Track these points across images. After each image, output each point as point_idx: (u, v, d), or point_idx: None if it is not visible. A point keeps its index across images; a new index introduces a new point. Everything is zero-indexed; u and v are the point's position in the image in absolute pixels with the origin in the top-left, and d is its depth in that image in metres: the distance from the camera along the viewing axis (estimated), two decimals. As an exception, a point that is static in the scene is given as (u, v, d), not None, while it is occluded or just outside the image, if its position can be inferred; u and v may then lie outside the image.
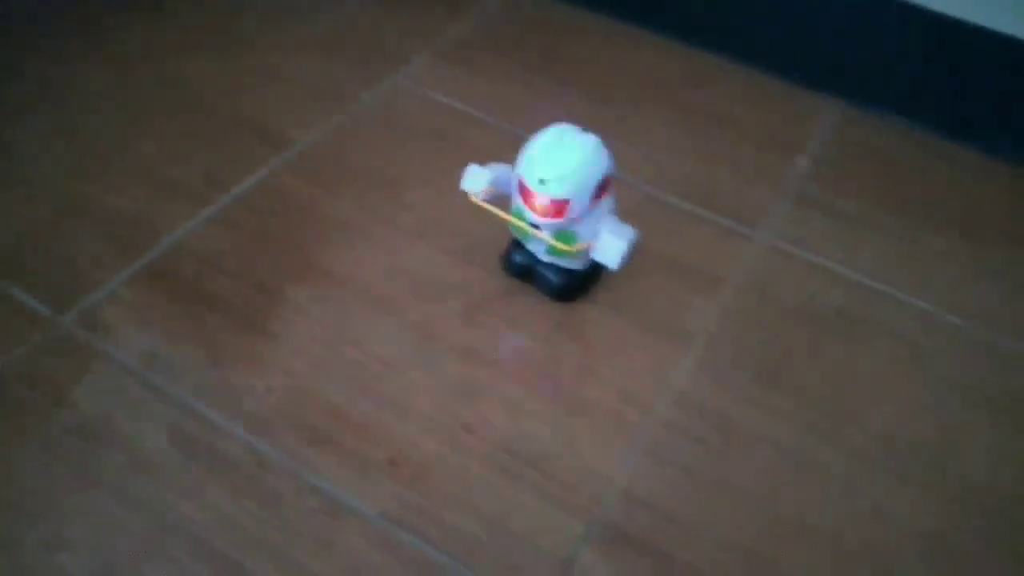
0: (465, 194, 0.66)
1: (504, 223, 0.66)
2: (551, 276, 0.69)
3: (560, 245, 0.63)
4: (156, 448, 0.59)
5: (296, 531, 0.55)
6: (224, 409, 0.61)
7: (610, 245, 0.62)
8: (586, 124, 0.63)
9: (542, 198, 0.61)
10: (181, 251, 0.72)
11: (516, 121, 0.86)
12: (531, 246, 0.68)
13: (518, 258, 0.70)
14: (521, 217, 0.64)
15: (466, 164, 0.66)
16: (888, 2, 0.84)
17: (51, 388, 0.62)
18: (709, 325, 0.70)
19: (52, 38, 0.93)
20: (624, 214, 0.66)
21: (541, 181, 0.60)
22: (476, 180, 0.65)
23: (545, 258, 0.68)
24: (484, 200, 0.65)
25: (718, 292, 0.72)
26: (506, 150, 0.68)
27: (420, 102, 0.89)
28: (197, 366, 0.64)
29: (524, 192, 0.62)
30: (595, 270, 0.70)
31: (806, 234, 0.78)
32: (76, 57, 0.91)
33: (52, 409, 0.60)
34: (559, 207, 0.61)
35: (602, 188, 0.62)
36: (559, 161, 0.60)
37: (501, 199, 0.66)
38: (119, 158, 0.80)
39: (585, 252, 0.64)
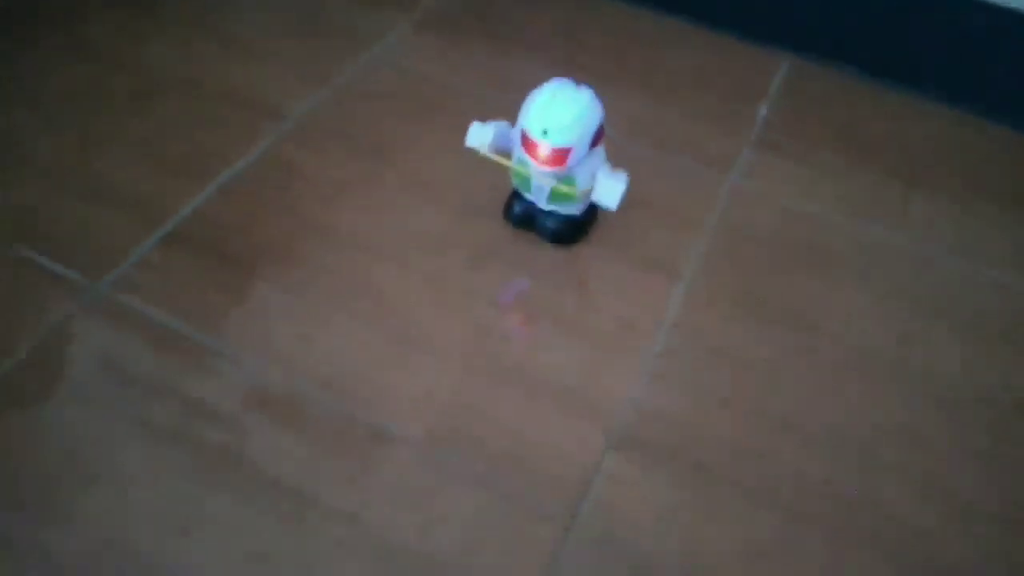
0: (461, 151, 0.71)
1: (509, 172, 0.72)
2: (550, 223, 0.76)
3: (564, 188, 0.70)
4: (207, 395, 0.63)
5: (349, 456, 0.61)
6: (270, 360, 0.66)
7: (610, 187, 0.69)
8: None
9: (546, 147, 0.67)
10: (199, 218, 0.76)
11: (490, 84, 0.92)
12: (532, 196, 0.74)
13: (518, 208, 0.77)
14: (524, 167, 0.70)
15: (451, 128, 0.71)
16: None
17: (95, 349, 0.65)
18: (693, 260, 0.77)
19: (38, 34, 0.94)
20: (611, 164, 0.73)
21: (544, 132, 0.66)
22: (480, 135, 0.71)
23: (545, 206, 0.74)
24: (489, 153, 0.71)
25: (698, 231, 0.80)
26: (483, 112, 0.74)
27: (400, 73, 0.94)
28: (234, 318, 0.68)
29: (528, 143, 0.68)
30: (590, 215, 0.77)
31: (769, 175, 0.86)
32: (42, 51, 0.92)
33: (101, 366, 0.64)
34: (562, 155, 0.67)
35: (597, 136, 0.69)
36: (559, 113, 0.66)
37: (501, 152, 0.72)
38: (121, 139, 0.83)
39: (585, 195, 0.71)
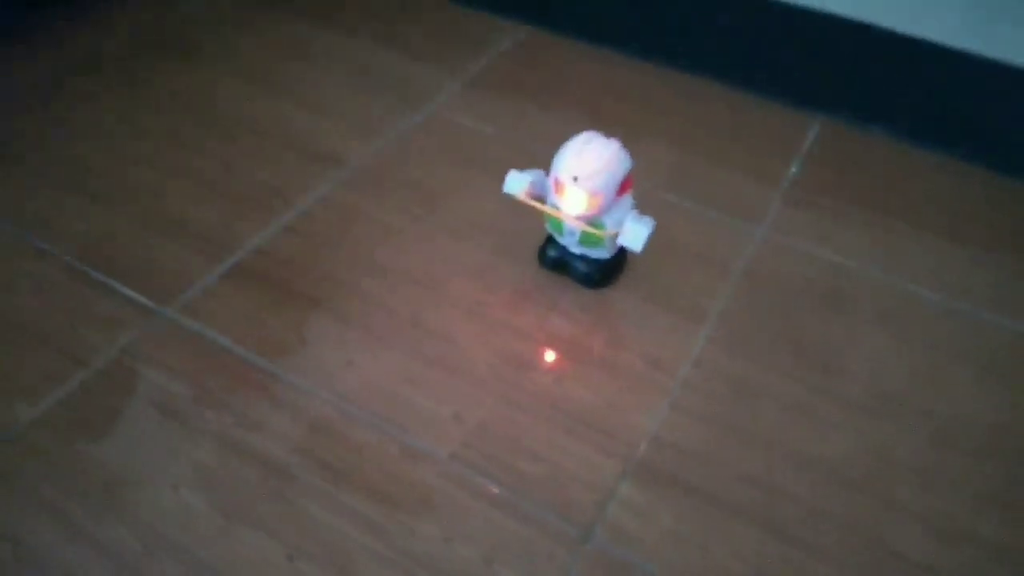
0: (502, 198, 0.77)
1: (543, 217, 0.78)
2: (582, 266, 0.81)
3: (592, 230, 0.75)
4: (259, 414, 0.69)
5: (381, 471, 0.66)
6: (315, 382, 0.72)
7: (635, 231, 0.74)
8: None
9: (575, 192, 0.72)
10: (261, 254, 0.84)
11: (533, 138, 0.98)
12: (564, 240, 0.80)
13: (552, 252, 0.82)
14: (558, 212, 0.76)
15: (493, 176, 0.78)
16: (866, 30, 0.97)
17: (172, 374, 0.72)
18: (720, 304, 0.81)
19: (113, 85, 1.06)
20: (644, 213, 0.77)
21: (575, 179, 0.72)
22: (517, 183, 0.77)
23: (576, 249, 0.80)
24: (525, 199, 0.77)
25: (725, 277, 0.84)
26: (525, 162, 0.80)
27: (453, 128, 1.02)
28: (288, 343, 0.75)
29: (559, 189, 0.73)
30: (620, 260, 0.82)
31: (796, 227, 0.89)
32: (131, 97, 1.03)
33: (167, 383, 0.71)
34: (594, 201, 0.72)
35: (624, 184, 0.74)
36: (589, 161, 0.72)
37: (537, 198, 0.77)
38: (193, 178, 0.92)
39: (612, 238, 0.76)
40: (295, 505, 0.64)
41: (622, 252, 0.81)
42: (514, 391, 0.72)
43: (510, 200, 0.77)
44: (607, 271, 0.81)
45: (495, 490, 0.65)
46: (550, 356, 0.76)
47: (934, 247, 0.88)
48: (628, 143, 0.74)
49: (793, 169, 0.98)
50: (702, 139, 1.01)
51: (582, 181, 0.72)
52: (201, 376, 0.72)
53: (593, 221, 0.75)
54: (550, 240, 0.82)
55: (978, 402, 0.73)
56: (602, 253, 0.79)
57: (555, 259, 0.82)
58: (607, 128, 0.76)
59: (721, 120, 1.05)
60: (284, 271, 0.82)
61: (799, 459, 0.68)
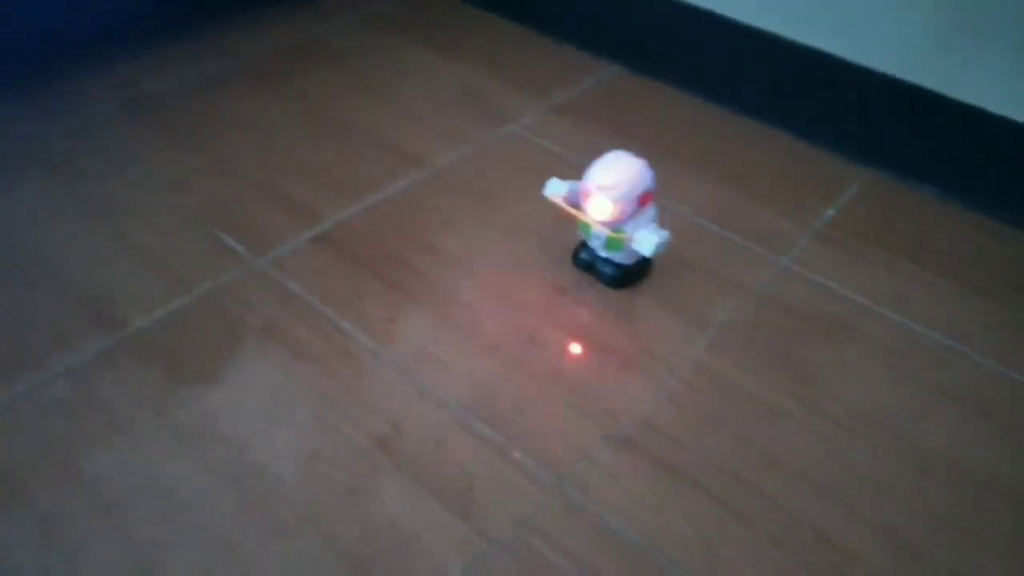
0: (551, 207, 0.90)
1: (575, 220, 0.90)
2: (608, 269, 0.91)
3: (615, 236, 0.86)
4: (314, 350, 0.84)
5: (401, 406, 0.79)
6: (362, 329, 0.86)
7: (645, 238, 0.84)
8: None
9: (599, 199, 0.84)
10: (342, 228, 1.00)
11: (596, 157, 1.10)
12: (592, 243, 0.91)
13: (583, 255, 0.93)
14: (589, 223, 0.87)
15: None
16: (919, 91, 1.04)
17: (251, 307, 0.89)
18: (727, 317, 0.89)
19: (256, 82, 1.26)
20: (676, 237, 0.88)
21: (600, 187, 0.83)
22: (556, 188, 0.89)
23: (603, 253, 0.90)
24: (560, 203, 0.89)
25: (739, 295, 0.92)
26: (579, 178, 0.92)
27: (528, 145, 1.15)
28: (347, 298, 0.90)
29: (587, 196, 0.85)
30: (643, 267, 0.92)
31: (818, 262, 0.97)
32: (268, 94, 1.23)
33: (247, 316, 0.87)
34: (613, 209, 0.83)
35: (645, 197, 0.85)
36: (613, 174, 0.83)
37: (575, 206, 0.89)
38: (299, 164, 1.10)
39: (630, 243, 0.86)
40: (324, 422, 0.78)
41: (646, 260, 0.91)
42: (523, 360, 0.84)
43: (556, 208, 0.90)
44: (630, 275, 0.92)
45: (489, 432, 0.77)
46: (561, 337, 0.87)
47: (948, 296, 0.93)
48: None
49: (830, 212, 1.05)
50: (747, 177, 1.10)
51: (605, 190, 0.83)
52: (273, 312, 0.88)
53: (615, 228, 0.86)
54: (583, 244, 0.93)
55: (961, 438, 0.78)
56: (625, 258, 0.90)
57: (586, 261, 0.93)
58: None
59: (771, 162, 1.13)
60: (357, 243, 0.97)
61: (769, 459, 0.76)
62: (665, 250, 0.86)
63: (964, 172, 1.06)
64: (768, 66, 1.18)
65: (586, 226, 0.89)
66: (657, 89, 1.28)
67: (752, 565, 0.68)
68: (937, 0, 0.98)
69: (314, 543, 0.68)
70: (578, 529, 0.70)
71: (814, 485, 0.74)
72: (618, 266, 0.91)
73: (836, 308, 0.91)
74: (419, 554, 0.68)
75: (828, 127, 1.15)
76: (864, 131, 1.12)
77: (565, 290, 0.92)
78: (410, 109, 1.21)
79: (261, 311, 0.88)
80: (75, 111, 1.18)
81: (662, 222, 0.89)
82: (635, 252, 0.88)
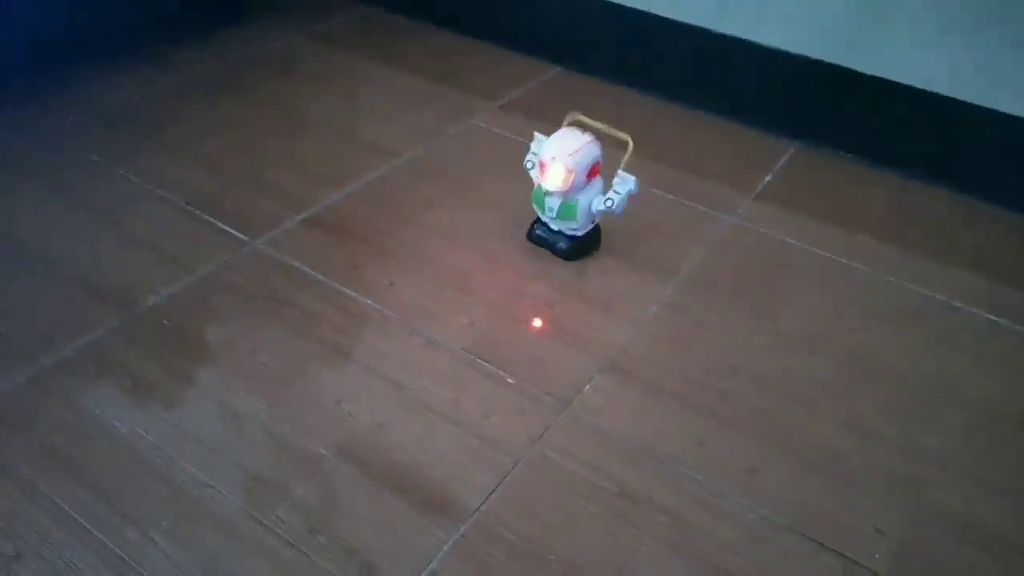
0: (517, 186, 0.99)
1: (533, 200, 0.99)
2: (561, 243, 0.99)
3: (568, 205, 0.95)
4: (323, 312, 0.91)
5: (407, 351, 0.86)
6: (364, 293, 0.93)
7: (625, 176, 0.94)
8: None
9: (554, 168, 0.92)
10: (331, 210, 1.07)
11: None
12: (546, 216, 0.98)
13: (537, 231, 1.01)
14: (540, 191, 0.96)
15: (515, 171, 0.99)
16: (833, 68, 1.19)
17: (255, 281, 0.95)
18: (689, 264, 1.01)
19: (228, 90, 1.33)
20: (633, 205, 0.98)
21: (553, 157, 0.92)
22: (537, 143, 0.98)
23: (555, 225, 0.99)
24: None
25: (697, 248, 1.04)
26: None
27: (490, 135, 1.25)
28: (345, 269, 0.97)
29: (543, 168, 0.94)
30: (593, 238, 1.00)
31: (760, 218, 1.09)
32: (237, 101, 1.30)
33: (253, 289, 0.93)
34: (566, 175, 0.92)
35: (593, 169, 0.94)
36: (565, 146, 0.92)
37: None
38: (284, 158, 1.16)
39: (585, 213, 0.95)
40: (344, 371, 0.84)
41: (594, 231, 1.00)
42: (515, 310, 0.93)
43: (523, 189, 0.99)
44: (581, 248, 1.00)
45: (494, 370, 0.85)
46: (546, 291, 0.96)
47: (864, 235, 1.07)
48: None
49: (768, 178, 1.18)
50: (689, 155, 1.23)
51: (559, 159, 0.92)
52: (277, 284, 0.94)
53: (568, 198, 0.95)
54: (537, 221, 1.01)
55: (888, 344, 0.91)
56: (575, 227, 0.98)
57: (540, 237, 1.01)
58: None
59: (708, 141, 1.26)
60: (347, 222, 1.05)
61: (732, 369, 0.87)
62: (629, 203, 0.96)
63: (875, 137, 1.21)
64: (695, 56, 1.32)
65: (540, 198, 0.98)
66: (595, 84, 1.40)
67: (736, 455, 0.78)
68: (840, -11, 1.14)
69: (345, 467, 0.75)
70: (586, 441, 0.79)
71: (779, 389, 0.85)
72: (570, 239, 0.99)
73: (778, 252, 1.04)
74: (451, 471, 0.75)
75: (756, 107, 1.29)
76: (789, 108, 1.26)
77: (545, 253, 1.02)
78: (375, 110, 1.30)
79: (266, 284, 0.94)
80: (48, 123, 1.21)
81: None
82: (588, 220, 0.97)
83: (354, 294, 0.94)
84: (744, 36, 1.26)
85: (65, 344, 0.86)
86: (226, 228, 1.03)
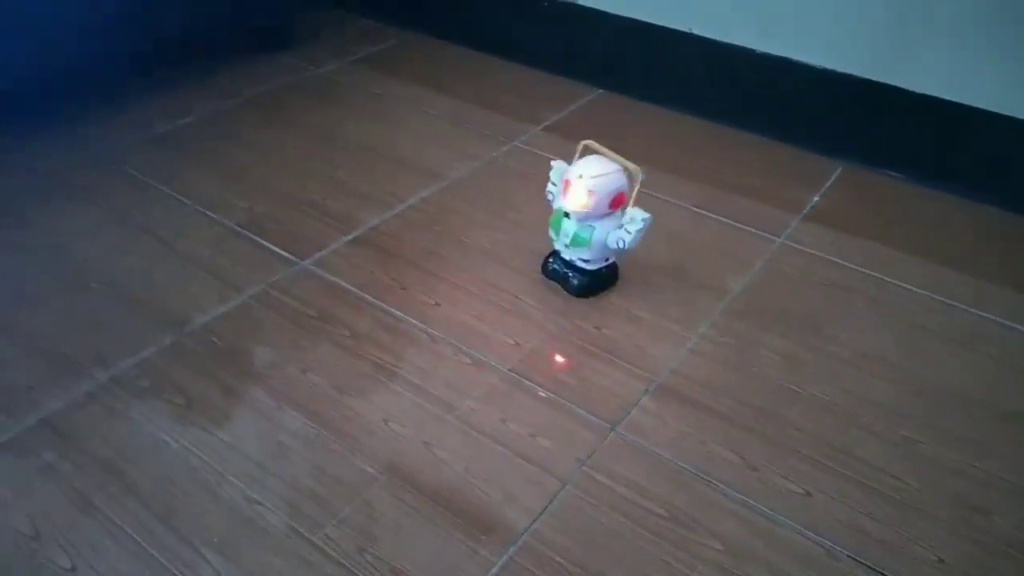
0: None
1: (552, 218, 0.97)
2: (574, 280, 0.96)
3: (583, 234, 0.92)
4: (371, 332, 0.91)
5: (456, 374, 0.86)
6: (410, 314, 0.94)
7: (637, 213, 0.90)
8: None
9: (578, 186, 0.90)
10: (376, 232, 1.08)
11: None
12: (559, 245, 0.96)
13: (554, 265, 0.98)
14: (559, 215, 0.94)
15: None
16: (879, 87, 1.18)
17: (304, 301, 0.96)
18: (739, 284, 1.00)
19: (267, 116, 1.35)
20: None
21: (579, 176, 0.90)
22: (559, 170, 0.97)
23: (567, 254, 0.95)
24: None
25: (745, 269, 1.02)
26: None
27: (532, 157, 1.26)
28: (392, 289, 0.97)
29: (566, 185, 0.91)
30: (607, 275, 0.97)
31: (810, 239, 1.08)
32: (281, 125, 1.32)
33: (302, 308, 0.94)
34: (588, 196, 0.89)
35: (617, 200, 0.91)
36: (592, 167, 0.90)
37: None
38: (327, 179, 1.18)
39: (600, 248, 0.92)
40: (391, 390, 0.84)
41: (609, 269, 0.97)
42: (561, 331, 0.92)
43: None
44: (595, 284, 0.96)
45: (541, 392, 0.85)
46: (592, 311, 0.95)
47: (916, 255, 1.05)
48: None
49: (815, 198, 1.17)
50: (734, 175, 1.22)
51: (585, 179, 0.90)
52: (325, 303, 0.95)
53: (585, 224, 0.92)
54: (554, 254, 0.98)
55: (945, 366, 0.89)
56: (592, 260, 0.95)
57: (555, 271, 0.98)
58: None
59: (754, 162, 1.25)
60: (392, 243, 1.06)
61: (785, 391, 0.85)
62: (645, 236, 0.92)
63: (923, 155, 1.19)
64: (738, 76, 1.31)
65: (557, 223, 0.94)
66: (637, 106, 1.40)
67: (790, 479, 0.76)
68: (886, 3, 1.13)
69: (394, 486, 0.75)
70: (635, 464, 0.78)
71: (834, 412, 0.83)
72: (583, 274, 0.96)
73: (828, 272, 1.02)
74: (499, 492, 0.75)
75: (801, 126, 1.28)
76: (835, 127, 1.25)
77: (589, 272, 1.01)
78: (418, 134, 1.31)
79: (314, 304, 0.95)
80: (99, 144, 1.24)
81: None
82: (602, 253, 0.94)
83: (401, 314, 0.94)
84: (788, 55, 1.25)
85: (119, 360, 0.87)
86: (274, 249, 1.04)
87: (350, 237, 1.07)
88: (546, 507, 0.74)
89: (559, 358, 0.89)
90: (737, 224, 1.11)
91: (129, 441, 0.79)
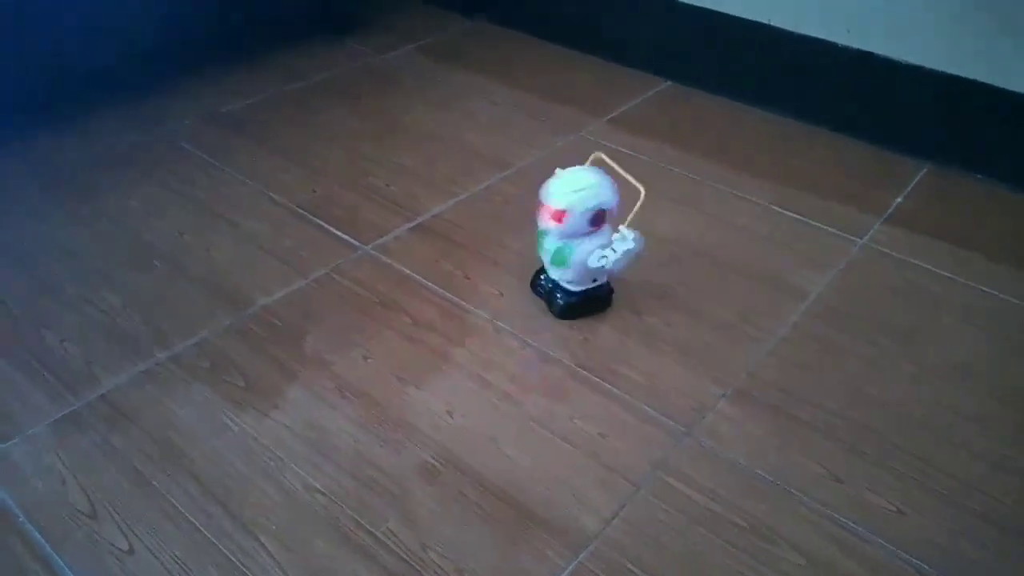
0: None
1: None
2: (560, 301, 0.88)
3: (563, 251, 0.84)
4: (434, 321, 0.89)
5: (521, 368, 0.83)
6: (474, 304, 0.91)
7: (626, 233, 0.82)
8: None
9: (547, 206, 0.83)
10: (439, 219, 1.05)
11: (662, 159, 1.17)
12: (544, 262, 0.88)
13: (543, 282, 0.91)
14: (543, 232, 0.86)
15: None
16: (969, 84, 1.11)
17: (368, 287, 0.93)
18: (821, 285, 0.94)
19: (336, 101, 1.33)
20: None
21: (550, 194, 0.83)
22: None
23: (552, 273, 0.88)
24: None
25: (827, 270, 0.97)
26: (646, 170, 0.97)
27: (597, 148, 1.21)
28: (456, 278, 0.94)
29: (541, 206, 0.83)
30: (595, 298, 0.89)
31: (894, 241, 1.02)
32: (345, 110, 1.30)
33: (366, 294, 0.92)
34: (558, 215, 0.82)
35: (599, 217, 0.82)
36: (566, 184, 0.83)
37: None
38: (394, 166, 1.15)
39: (579, 269, 0.84)
40: (455, 380, 0.81)
41: (598, 292, 0.89)
42: (631, 327, 0.88)
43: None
44: (579, 307, 0.89)
45: (611, 388, 0.81)
46: (664, 307, 0.91)
47: (1005, 263, 0.99)
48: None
49: (898, 200, 1.11)
50: (812, 174, 1.16)
51: (553, 196, 0.83)
52: (387, 290, 0.92)
53: (562, 245, 0.84)
54: (542, 270, 0.91)
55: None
56: (575, 281, 0.87)
57: (544, 289, 0.90)
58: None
59: (832, 160, 1.20)
60: (456, 232, 1.03)
61: (871, 400, 0.80)
62: (635, 260, 0.84)
63: (1015, 158, 1.12)
64: (816, 70, 1.25)
65: (541, 238, 0.87)
66: (707, 98, 1.35)
67: (879, 493, 0.71)
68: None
69: (457, 480, 0.71)
70: (711, 470, 0.73)
71: (925, 424, 0.78)
72: (568, 295, 0.88)
73: (913, 277, 0.96)
74: (567, 493, 0.71)
75: (883, 124, 1.22)
76: (921, 126, 1.18)
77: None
78: (482, 122, 1.28)
79: (376, 290, 0.93)
80: (165, 125, 1.24)
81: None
82: (586, 274, 0.86)
83: (465, 304, 0.91)
84: (873, 50, 1.19)
85: (180, 339, 0.86)
86: (337, 232, 1.02)
87: (412, 224, 1.04)
88: (618, 512, 0.70)
89: (629, 355, 0.85)
90: (814, 223, 1.06)
91: (188, 422, 0.77)
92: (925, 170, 1.17)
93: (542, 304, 0.91)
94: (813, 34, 1.24)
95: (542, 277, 0.91)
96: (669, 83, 1.41)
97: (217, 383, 0.81)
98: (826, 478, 0.73)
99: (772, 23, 1.27)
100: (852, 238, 1.03)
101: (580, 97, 1.35)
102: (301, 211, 1.05)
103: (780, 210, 1.08)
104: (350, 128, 1.25)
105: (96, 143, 1.19)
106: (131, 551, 0.66)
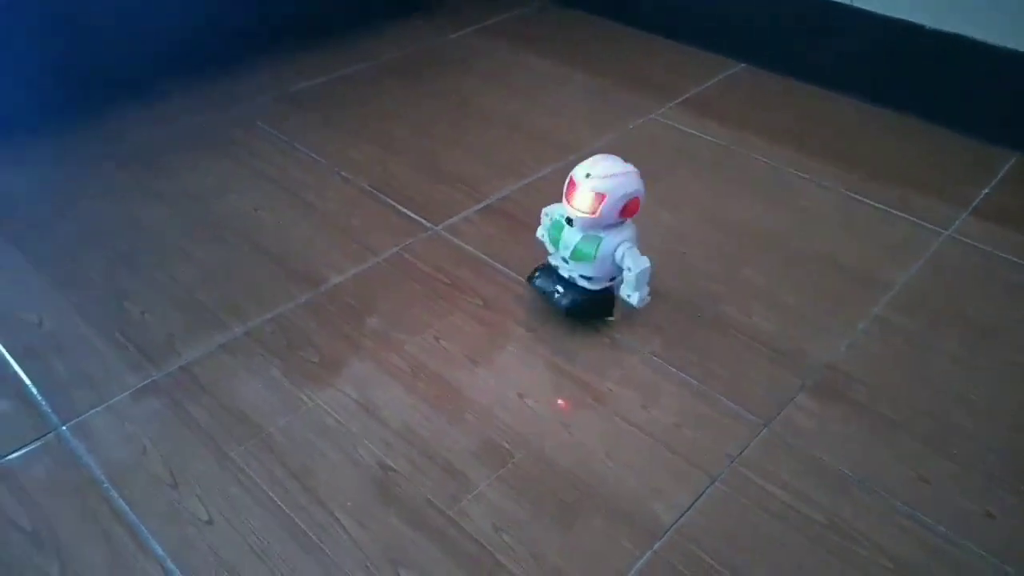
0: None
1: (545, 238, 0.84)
2: (565, 298, 0.82)
3: (582, 212, 0.77)
4: (505, 304, 0.88)
5: (595, 354, 0.82)
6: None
7: (636, 256, 0.78)
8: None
9: (585, 188, 0.77)
10: (510, 201, 1.04)
11: (736, 142, 1.14)
12: (558, 258, 0.83)
13: (539, 279, 0.85)
14: (560, 222, 0.80)
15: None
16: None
17: (438, 267, 0.93)
18: (901, 281, 0.91)
19: (406, 82, 1.33)
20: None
21: (587, 175, 0.77)
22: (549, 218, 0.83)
23: (565, 271, 0.82)
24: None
25: (910, 262, 0.94)
26: (719, 154, 0.95)
27: (670, 131, 1.19)
28: (526, 261, 0.93)
29: (571, 186, 0.78)
30: (601, 302, 0.83)
31: (980, 233, 0.98)
32: (413, 91, 1.30)
33: (436, 274, 0.92)
34: (599, 197, 0.76)
35: (629, 205, 0.78)
36: (603, 167, 0.78)
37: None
38: (464, 147, 1.15)
39: (603, 264, 0.79)
40: (528, 364, 0.81)
41: (606, 296, 0.83)
42: (708, 316, 0.87)
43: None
44: (586, 308, 0.83)
45: (687, 378, 0.79)
46: (746, 299, 0.89)
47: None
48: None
49: (985, 191, 1.06)
50: (893, 162, 1.12)
51: (593, 178, 0.77)
52: (458, 270, 0.92)
53: (590, 234, 0.79)
54: (544, 267, 0.86)
55: None
56: (592, 277, 0.81)
57: (543, 287, 0.85)
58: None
59: (913, 148, 1.15)
60: (526, 214, 1.01)
61: (960, 398, 0.77)
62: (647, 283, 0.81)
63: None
64: (899, 53, 1.20)
65: (558, 231, 0.81)
66: (782, 82, 1.31)
67: (969, 496, 0.69)
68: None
69: (530, 465, 0.71)
70: (791, 465, 0.72)
71: (1011, 425, 0.74)
72: (577, 292, 0.83)
73: (1003, 272, 0.93)
74: (643, 482, 0.70)
75: (970, 112, 1.17)
76: (1012, 114, 1.13)
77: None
78: (551, 104, 1.27)
79: (447, 270, 0.92)
80: (239, 103, 1.25)
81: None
82: (608, 271, 0.81)
83: (516, 275, 0.90)
84: (963, 32, 1.14)
85: (255, 314, 0.87)
86: (407, 212, 1.02)
87: (482, 205, 1.04)
88: (693, 503, 0.69)
89: (705, 345, 0.83)
90: (896, 213, 1.02)
91: (265, 397, 0.78)
92: (1014, 160, 1.12)
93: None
94: (899, 16, 1.19)
95: (538, 275, 0.85)
96: (743, 65, 1.37)
97: (292, 358, 0.82)
98: (912, 478, 0.70)
99: (855, 4, 1.22)
100: (937, 229, 0.99)
101: (650, 79, 1.33)
102: (371, 189, 1.06)
103: (859, 198, 1.04)
104: (418, 108, 1.25)
105: (172, 121, 1.20)
106: (211, 522, 0.67)
